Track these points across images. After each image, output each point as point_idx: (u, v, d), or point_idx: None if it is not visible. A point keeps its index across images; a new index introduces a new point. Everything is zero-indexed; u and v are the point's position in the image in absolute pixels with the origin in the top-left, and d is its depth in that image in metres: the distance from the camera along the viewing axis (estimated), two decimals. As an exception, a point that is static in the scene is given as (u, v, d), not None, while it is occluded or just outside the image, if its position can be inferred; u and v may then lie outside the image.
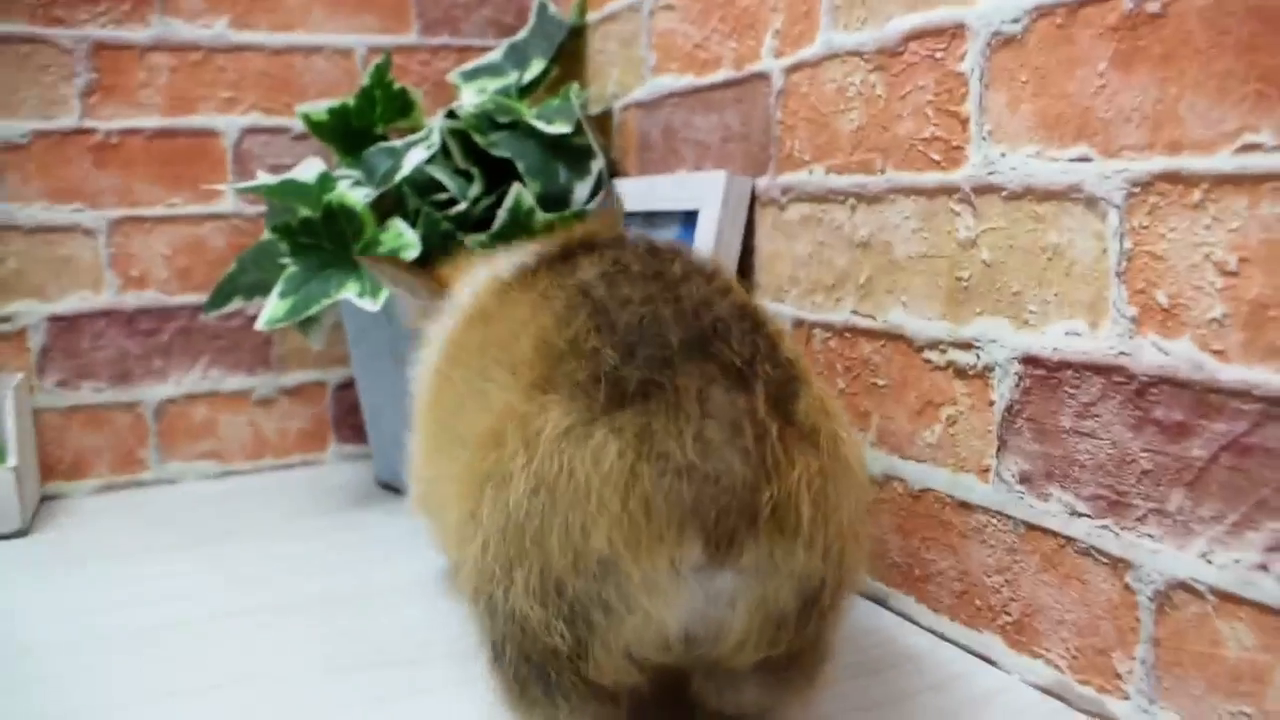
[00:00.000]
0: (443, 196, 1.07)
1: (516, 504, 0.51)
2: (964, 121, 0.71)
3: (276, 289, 1.00)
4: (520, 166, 1.08)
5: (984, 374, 0.71)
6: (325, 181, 1.02)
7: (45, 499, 1.20)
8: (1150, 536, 0.60)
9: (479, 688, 0.70)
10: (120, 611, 0.85)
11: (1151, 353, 0.59)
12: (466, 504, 0.55)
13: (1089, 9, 0.61)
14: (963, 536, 0.74)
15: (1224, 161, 0.54)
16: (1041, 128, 0.65)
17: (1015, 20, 0.66)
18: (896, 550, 0.81)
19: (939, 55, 0.73)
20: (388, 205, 1.06)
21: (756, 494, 0.50)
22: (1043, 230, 0.65)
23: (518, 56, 1.24)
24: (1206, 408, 0.56)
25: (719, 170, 0.96)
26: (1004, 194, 0.68)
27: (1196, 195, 0.56)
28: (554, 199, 1.09)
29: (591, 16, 1.25)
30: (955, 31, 0.71)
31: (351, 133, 1.16)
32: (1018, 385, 0.68)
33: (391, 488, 1.19)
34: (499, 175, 1.09)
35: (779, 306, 0.92)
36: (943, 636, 0.76)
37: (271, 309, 0.98)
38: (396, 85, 1.15)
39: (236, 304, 1.08)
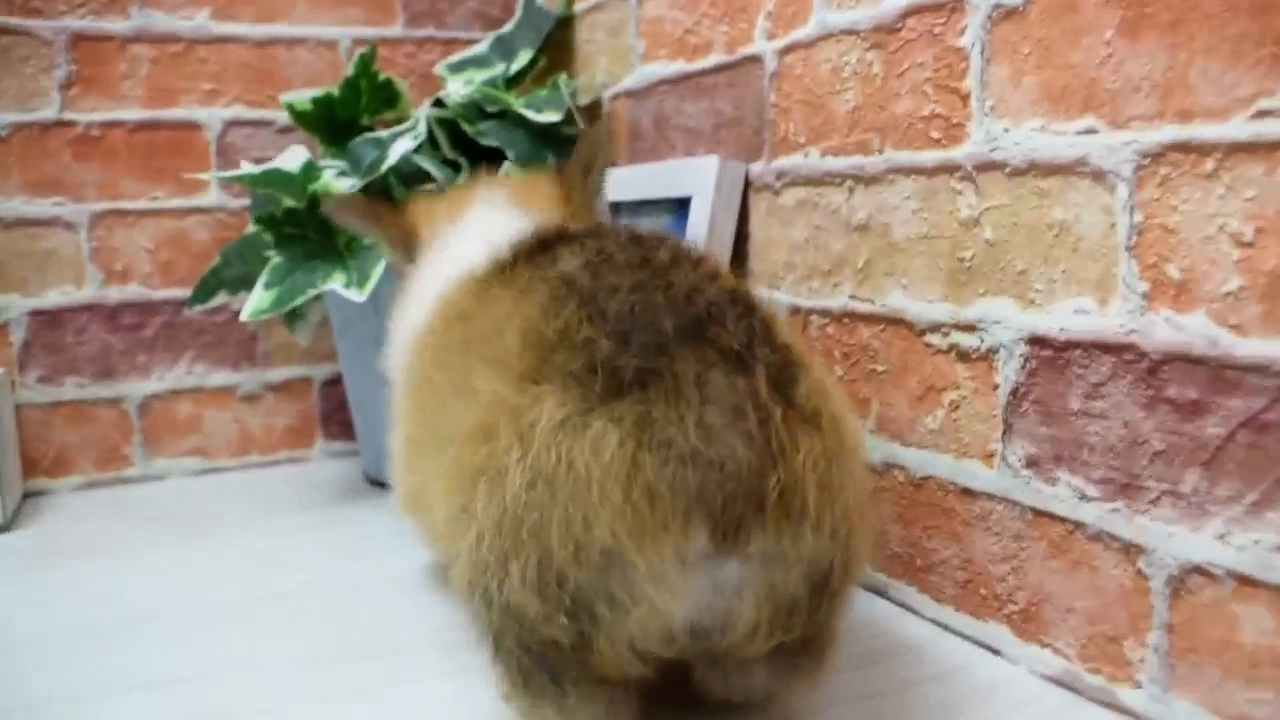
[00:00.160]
0: (429, 187, 1.05)
1: (514, 498, 0.49)
2: (964, 97, 0.69)
3: (261, 280, 0.98)
4: (510, 155, 1.06)
5: (988, 356, 0.69)
6: (310, 171, 1.00)
7: (28, 496, 1.18)
8: (1163, 519, 0.58)
9: (463, 679, 0.68)
10: (102, 606, 0.84)
11: (1164, 329, 0.57)
12: (457, 499, 0.54)
13: (1094, -23, 0.60)
14: (966, 524, 0.72)
15: (1238, 129, 0.52)
16: (1046, 100, 0.63)
17: (1017, -9, 0.65)
18: (897, 540, 0.79)
19: (938, 30, 0.71)
20: (373, 196, 1.04)
21: (763, 479, 0.49)
22: (1048, 206, 0.64)
23: (504, 48, 1.22)
24: (1223, 384, 0.54)
25: (711, 156, 0.94)
26: (1007, 170, 0.66)
27: (1209, 165, 0.54)
28: (544, 188, 1.07)
29: (579, 6, 1.23)
30: (955, 6, 0.69)
31: (336, 123, 1.13)
32: (1024, 367, 0.66)
33: (379, 483, 1.17)
34: (487, 165, 1.07)
35: (774, 294, 0.90)
36: (946, 627, 0.75)
37: (256, 300, 0.96)
38: (382, 76, 1.13)
39: (221, 298, 1.06)
